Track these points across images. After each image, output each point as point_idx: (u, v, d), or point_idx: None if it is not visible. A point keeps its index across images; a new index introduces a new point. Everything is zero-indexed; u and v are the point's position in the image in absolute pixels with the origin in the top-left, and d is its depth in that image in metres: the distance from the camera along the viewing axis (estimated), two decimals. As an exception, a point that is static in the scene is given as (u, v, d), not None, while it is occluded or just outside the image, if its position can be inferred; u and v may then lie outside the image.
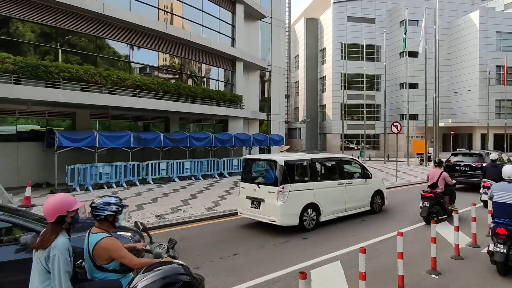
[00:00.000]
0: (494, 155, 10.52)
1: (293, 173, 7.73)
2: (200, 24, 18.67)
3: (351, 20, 43.10)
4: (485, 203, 8.35)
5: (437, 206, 8.39)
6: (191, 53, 18.07)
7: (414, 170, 23.06)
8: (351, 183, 8.81)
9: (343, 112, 43.10)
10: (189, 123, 19.17)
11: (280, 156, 8.01)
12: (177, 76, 18.17)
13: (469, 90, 39.55)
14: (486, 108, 37.59)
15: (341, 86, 42.65)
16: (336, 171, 8.78)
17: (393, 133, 17.05)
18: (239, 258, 6.09)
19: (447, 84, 42.66)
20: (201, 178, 16.37)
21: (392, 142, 43.55)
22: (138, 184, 14.14)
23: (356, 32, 42.46)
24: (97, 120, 15.59)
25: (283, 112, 25.92)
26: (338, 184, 8.49)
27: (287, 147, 22.75)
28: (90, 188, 12.70)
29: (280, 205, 7.25)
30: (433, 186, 8.51)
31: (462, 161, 13.90)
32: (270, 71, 25.12)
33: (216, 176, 17.06)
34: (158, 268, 2.86)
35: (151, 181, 14.63)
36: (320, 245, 6.76)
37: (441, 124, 39.06)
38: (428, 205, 8.25)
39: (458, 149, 39.13)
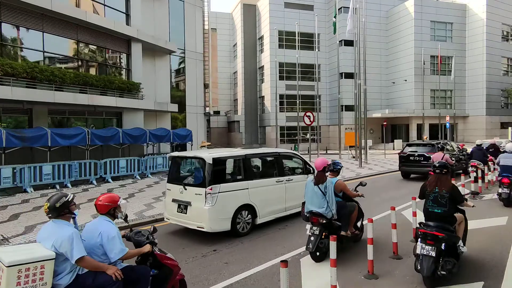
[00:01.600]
0: (479, 141, 13.65)
1: (223, 171, 7.02)
2: (73, -7, 15.00)
3: (288, 6, 40.95)
4: (475, 178, 11.29)
5: None
6: (62, 28, 14.37)
7: (341, 164, 21.06)
8: (291, 179, 8.11)
9: (282, 104, 41.13)
10: (66, 116, 15.49)
11: (208, 153, 7.07)
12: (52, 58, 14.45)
13: (405, 80, 39.14)
14: (421, 98, 37.32)
15: (280, 76, 40.54)
16: (274, 167, 8.06)
17: (306, 124, 14.82)
18: None
19: (385, 74, 42.11)
20: (70, 186, 12.92)
21: (332, 135, 42.40)
22: (-40, 199, 10.46)
23: (294, 20, 40.32)
24: None
25: (201, 103, 22.90)
26: (277, 181, 7.80)
27: (208, 143, 19.81)
28: None
29: (208, 208, 6.46)
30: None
31: (416, 151, 14.02)
32: (184, 57, 21.93)
33: (94, 182, 13.67)
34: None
35: (-16, 194, 10.98)
36: (253, 253, 5.97)
37: (377, 114, 38.32)
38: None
39: (395, 140, 38.76)
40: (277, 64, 39.89)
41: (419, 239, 4.61)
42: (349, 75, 40.81)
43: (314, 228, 5.41)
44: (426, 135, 36.22)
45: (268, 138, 41.19)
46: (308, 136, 27.46)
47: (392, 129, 42.13)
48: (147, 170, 15.68)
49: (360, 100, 19.64)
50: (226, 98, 48.22)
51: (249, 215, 7.06)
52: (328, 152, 35.17)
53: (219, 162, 6.80)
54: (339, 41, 41.16)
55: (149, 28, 19.23)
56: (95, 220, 3.57)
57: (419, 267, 4.53)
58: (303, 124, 39.62)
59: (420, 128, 38.67)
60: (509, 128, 35.21)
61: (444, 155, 10.53)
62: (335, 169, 6.08)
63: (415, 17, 38.22)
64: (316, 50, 32.71)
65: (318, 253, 5.36)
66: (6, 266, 2.79)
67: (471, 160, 12.43)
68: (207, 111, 24.33)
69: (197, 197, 6.59)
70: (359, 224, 6.23)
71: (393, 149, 36.82)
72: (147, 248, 3.54)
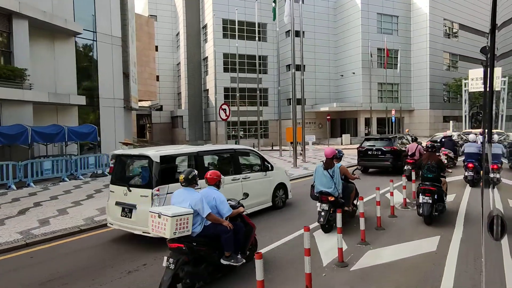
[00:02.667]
0: (449, 132, 16.21)
1: (173, 171, 6.63)
2: None
3: (233, -7, 38.39)
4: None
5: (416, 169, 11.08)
6: None
7: (277, 164, 19.11)
8: (248, 177, 7.86)
9: (228, 98, 38.70)
10: None
11: (155, 150, 6.41)
12: None
13: (353, 73, 38.30)
14: (369, 92, 36.65)
15: (225, 68, 38.05)
16: (230, 165, 7.77)
17: (221, 119, 12.60)
18: None
19: (334, 67, 41.09)
20: None
21: (281, 130, 40.68)
22: None
23: (240, 8, 37.95)
24: None
25: (120, 95, 19.78)
26: (233, 180, 7.46)
27: (129, 141, 16.86)
28: None
29: None
30: (413, 155, 11.96)
31: (374, 146, 14.01)
32: (95, 40, 18.64)
33: None
34: None
35: None
36: None
37: (325, 108, 37.12)
38: (410, 168, 11.22)
39: (343, 135, 37.84)
40: (224, 56, 37.45)
41: (420, 193, 6.91)
42: (298, 67, 39.26)
43: (323, 205, 6.45)
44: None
45: (213, 133, 38.64)
46: (240, 133, 25.22)
47: (341, 123, 41.34)
48: (28, 178, 12.53)
49: (295, 92, 17.74)
50: (169, 92, 44.84)
51: None
52: (274, 148, 33.30)
53: (167, 160, 6.39)
54: (286, 32, 39.55)
55: (44, 2, 15.83)
56: (206, 189, 4.81)
57: (421, 212, 6.82)
58: (250, 119, 37.69)
59: (368, 122, 38.10)
60: (450, 121, 35.61)
61: (417, 146, 12.20)
62: (338, 156, 7.05)
63: (361, 8, 37.38)
64: (257, 39, 30.36)
65: (327, 226, 6.45)
66: (170, 217, 4.09)
67: (442, 149, 14.20)
68: (132, 105, 21.17)
69: (143, 199, 6.01)
70: (355, 202, 7.31)
71: (341, 144, 35.85)
72: (241, 209, 5.06)
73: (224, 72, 37.84)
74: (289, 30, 38.91)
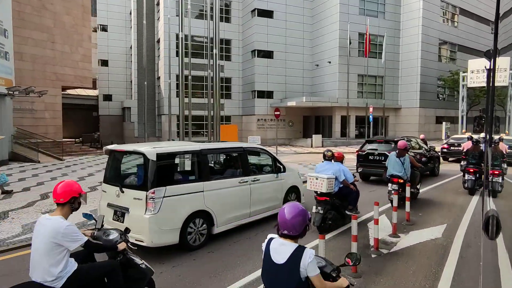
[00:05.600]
0: (482, 134, 17.12)
1: (171, 170, 5.90)
2: None
3: (190, -37, 32.30)
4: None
5: None
6: None
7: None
8: (257, 180, 6.89)
9: (183, 87, 32.85)
10: None
11: (151, 146, 5.58)
12: None
13: (329, 62, 32.22)
14: (346, 85, 30.69)
15: (179, 52, 32.07)
16: (237, 165, 6.93)
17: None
18: None
19: (310, 55, 35.02)
20: None
21: (246, 127, 34.90)
22: None
23: (198, -19, 31.98)
24: None
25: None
26: (240, 182, 6.53)
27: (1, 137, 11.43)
28: None
29: (149, 217, 5.08)
30: (467, 152, 13.26)
31: (377, 150, 12.49)
32: None
33: None
34: None
35: None
36: (209, 273, 4.76)
37: (292, 103, 31.05)
38: (465, 163, 11.52)
39: (313, 135, 31.84)
40: (178, 38, 31.51)
41: (465, 173, 9.91)
42: (265, 54, 33.30)
43: (394, 185, 7.98)
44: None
45: (163, 129, 32.94)
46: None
47: (316, 122, 35.43)
48: None
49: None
50: (121, 79, 39.04)
51: (204, 224, 5.74)
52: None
53: (165, 159, 5.57)
54: (251, 11, 33.55)
55: None
56: (336, 163, 6.85)
57: (465, 186, 9.84)
58: (198, 113, 31.93)
59: (345, 120, 32.14)
60: (443, 123, 29.57)
61: (472, 144, 13.08)
62: (408, 148, 8.57)
63: (341, -15, 31.19)
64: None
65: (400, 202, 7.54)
66: (326, 179, 6.31)
67: None
68: (12, 89, 15.26)
69: (136, 203, 5.23)
70: (418, 186, 9.18)
71: (311, 146, 30.05)
72: (357, 178, 7.44)
73: (177, 57, 31.88)
74: (255, 9, 32.94)
